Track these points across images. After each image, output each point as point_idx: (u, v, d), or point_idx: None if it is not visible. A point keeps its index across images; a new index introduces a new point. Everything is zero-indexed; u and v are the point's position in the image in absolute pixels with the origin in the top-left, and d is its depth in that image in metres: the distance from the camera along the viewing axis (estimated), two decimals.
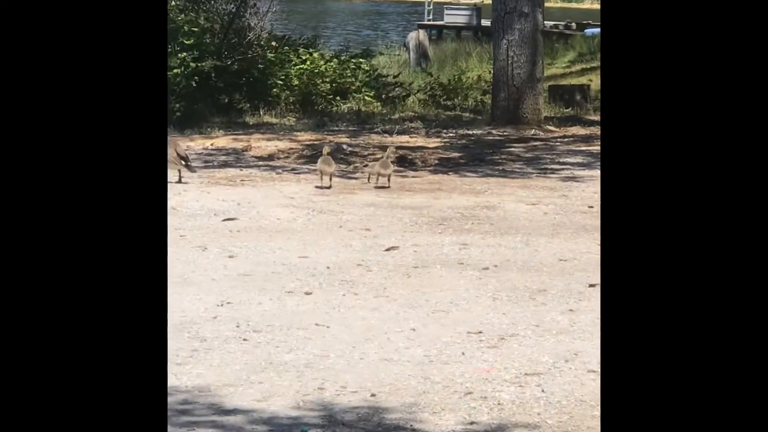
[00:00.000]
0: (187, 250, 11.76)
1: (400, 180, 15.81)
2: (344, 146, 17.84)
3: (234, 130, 19.59)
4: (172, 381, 8.19)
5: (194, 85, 20.52)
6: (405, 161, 16.78)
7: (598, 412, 7.63)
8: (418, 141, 18.52)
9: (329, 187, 15.53)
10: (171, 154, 16.12)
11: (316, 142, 17.83)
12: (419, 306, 9.70)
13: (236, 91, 21.49)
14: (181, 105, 20.17)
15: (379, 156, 16.13)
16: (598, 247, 10.07)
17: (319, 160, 16.87)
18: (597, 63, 39.35)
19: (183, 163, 15.85)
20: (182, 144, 16.42)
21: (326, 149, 16.75)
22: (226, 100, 21.28)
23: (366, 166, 16.45)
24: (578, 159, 17.31)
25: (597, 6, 65.18)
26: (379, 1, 64.69)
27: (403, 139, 18.58)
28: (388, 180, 15.50)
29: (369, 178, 15.76)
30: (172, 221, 13.20)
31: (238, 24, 22.44)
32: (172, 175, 15.37)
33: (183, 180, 15.59)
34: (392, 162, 15.85)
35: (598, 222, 12.02)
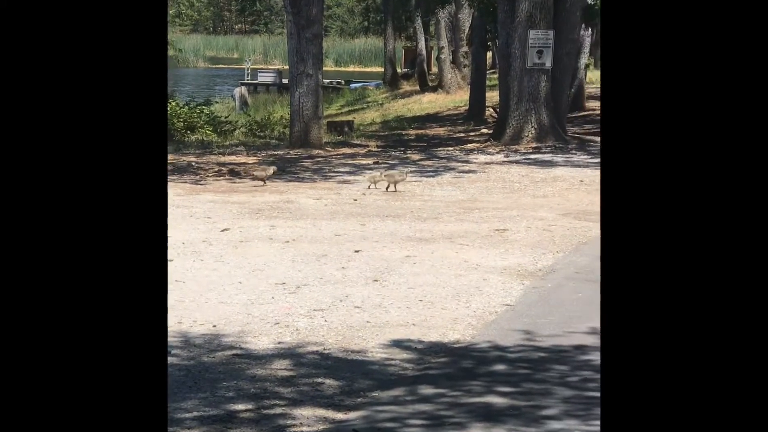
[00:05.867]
0: None
1: (230, 184, 15.12)
2: (193, 163, 17.10)
3: None
4: None
5: None
6: (233, 173, 16.07)
7: (361, 334, 7.56)
8: (242, 159, 17.93)
9: None
10: None
11: (173, 161, 17.05)
12: (244, 267, 9.55)
13: None
14: None
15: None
16: (361, 226, 9.55)
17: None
18: (359, 106, 39.13)
19: None
20: None
21: None
22: None
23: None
24: (347, 169, 16.89)
25: (360, 68, 64.11)
26: (214, 67, 62.87)
27: (232, 158, 18.02)
28: (395, 186, 14.03)
29: (387, 187, 13.98)
30: None
31: None
32: None
33: None
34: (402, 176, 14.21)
35: (360, 209, 11.97)
